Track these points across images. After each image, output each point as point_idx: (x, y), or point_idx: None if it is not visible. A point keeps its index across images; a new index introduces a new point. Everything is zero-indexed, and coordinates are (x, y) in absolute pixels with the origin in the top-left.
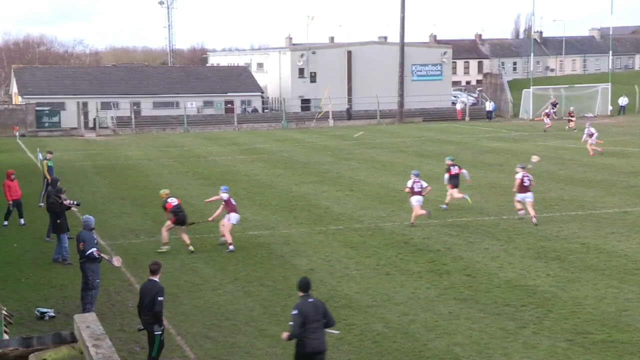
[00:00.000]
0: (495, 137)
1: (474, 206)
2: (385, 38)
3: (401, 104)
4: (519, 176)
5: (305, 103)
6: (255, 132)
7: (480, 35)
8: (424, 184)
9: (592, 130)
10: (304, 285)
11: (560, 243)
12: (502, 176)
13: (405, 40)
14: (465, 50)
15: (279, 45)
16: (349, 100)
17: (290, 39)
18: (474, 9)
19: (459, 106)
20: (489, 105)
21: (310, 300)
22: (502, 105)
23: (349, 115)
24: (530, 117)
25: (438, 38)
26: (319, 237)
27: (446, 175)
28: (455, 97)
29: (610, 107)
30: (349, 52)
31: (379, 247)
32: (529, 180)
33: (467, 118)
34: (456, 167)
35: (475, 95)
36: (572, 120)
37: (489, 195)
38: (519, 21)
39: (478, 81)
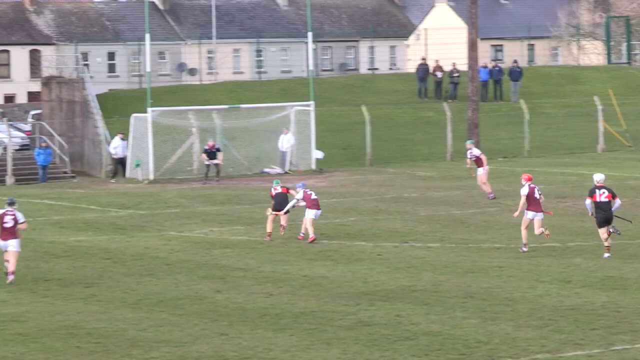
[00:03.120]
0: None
1: None
2: None
3: None
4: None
5: None
6: None
7: None
8: None
9: None
10: None
11: None
12: None
13: None
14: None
15: None
16: None
17: None
18: None
19: None
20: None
21: None
22: (88, 149)
23: None
24: (149, 177)
25: None
26: None
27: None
28: None
29: (318, 154)
30: None
31: None
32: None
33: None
34: None
35: (28, 127)
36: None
37: None
38: None
39: (32, 95)
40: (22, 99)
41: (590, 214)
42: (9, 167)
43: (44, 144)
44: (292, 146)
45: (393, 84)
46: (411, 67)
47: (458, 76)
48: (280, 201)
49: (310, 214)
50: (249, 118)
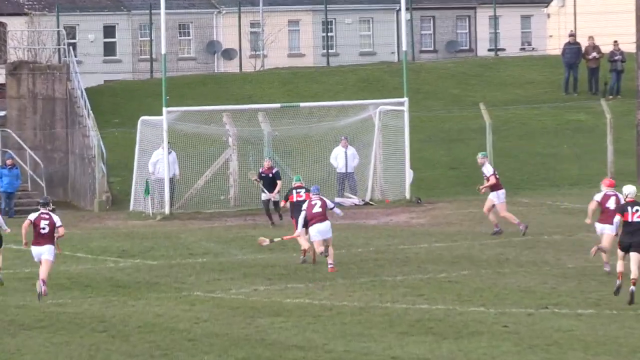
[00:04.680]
0: None
1: None
2: None
3: None
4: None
5: None
6: None
7: None
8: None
9: None
10: None
11: None
12: None
13: None
14: None
15: None
16: None
17: None
18: None
19: None
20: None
21: None
22: (75, 168)
23: None
24: (164, 211)
25: None
26: None
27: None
28: None
29: (411, 173)
30: None
31: None
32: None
33: None
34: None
35: None
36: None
37: None
38: None
39: None
40: None
41: (615, 233)
42: None
43: (9, 162)
44: (357, 166)
45: (526, 71)
46: (553, 47)
47: (622, 61)
48: (300, 210)
49: (312, 232)
50: (311, 122)
